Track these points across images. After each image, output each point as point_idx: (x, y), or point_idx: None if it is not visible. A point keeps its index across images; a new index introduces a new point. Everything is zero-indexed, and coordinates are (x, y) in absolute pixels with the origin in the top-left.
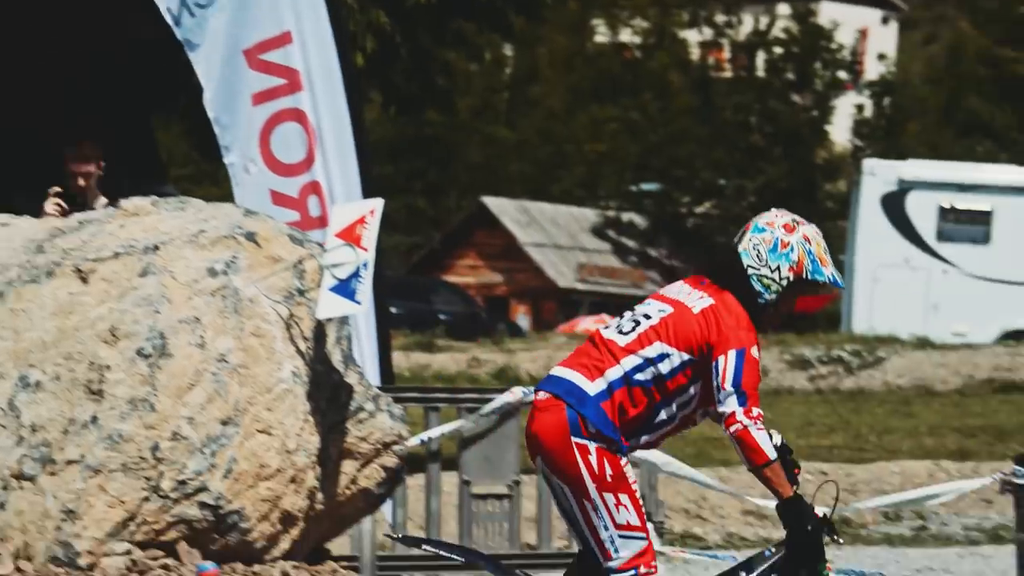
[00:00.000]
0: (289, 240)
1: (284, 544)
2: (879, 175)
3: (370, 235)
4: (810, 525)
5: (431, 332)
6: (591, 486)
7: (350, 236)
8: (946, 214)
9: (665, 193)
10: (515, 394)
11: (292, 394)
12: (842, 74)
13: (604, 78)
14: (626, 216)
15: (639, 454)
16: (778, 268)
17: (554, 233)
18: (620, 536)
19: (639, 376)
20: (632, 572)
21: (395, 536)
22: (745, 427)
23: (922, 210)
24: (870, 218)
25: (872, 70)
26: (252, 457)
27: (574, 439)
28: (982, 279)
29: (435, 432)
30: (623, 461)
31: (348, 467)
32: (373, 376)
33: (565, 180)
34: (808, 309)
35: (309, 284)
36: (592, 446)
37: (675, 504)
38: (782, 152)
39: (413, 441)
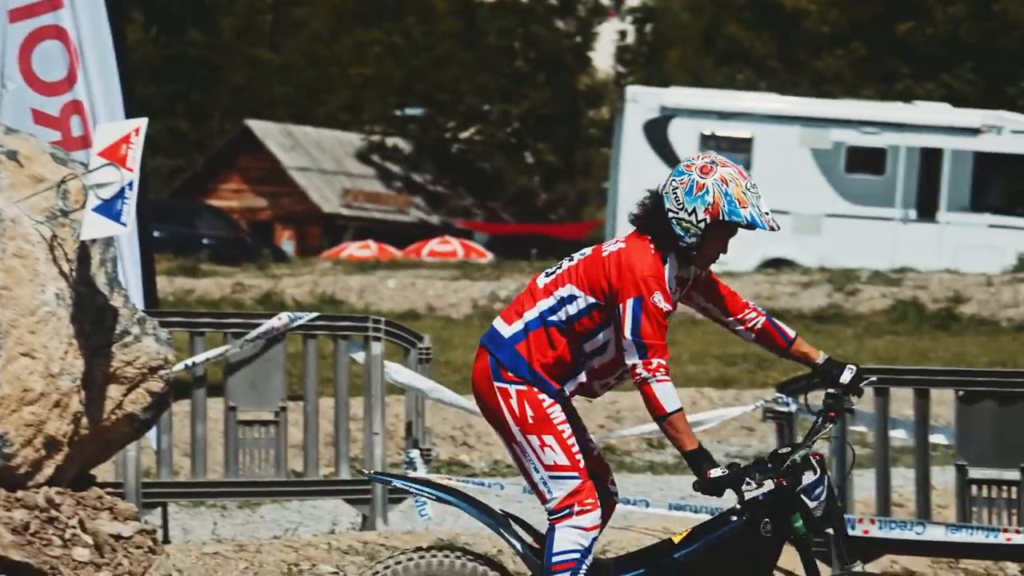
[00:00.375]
0: (52, 159)
1: (48, 470)
2: (641, 102)
3: (134, 155)
4: (707, 477)
5: (195, 257)
6: (515, 429)
7: (114, 156)
8: (707, 141)
9: (429, 118)
10: (281, 319)
11: (56, 317)
12: (605, 0)
13: (368, 1)
14: (391, 141)
15: (404, 380)
16: (694, 211)
17: (319, 157)
18: (551, 477)
19: (552, 317)
20: (566, 511)
21: (366, 473)
22: (644, 379)
23: (684, 137)
24: (633, 145)
25: None
26: (15, 381)
27: (496, 384)
28: None
29: (201, 357)
30: (547, 403)
31: (114, 392)
32: (137, 300)
33: (330, 104)
34: (568, 236)
35: (73, 204)
36: (512, 389)
37: (441, 431)
38: (546, 78)
39: (179, 366)
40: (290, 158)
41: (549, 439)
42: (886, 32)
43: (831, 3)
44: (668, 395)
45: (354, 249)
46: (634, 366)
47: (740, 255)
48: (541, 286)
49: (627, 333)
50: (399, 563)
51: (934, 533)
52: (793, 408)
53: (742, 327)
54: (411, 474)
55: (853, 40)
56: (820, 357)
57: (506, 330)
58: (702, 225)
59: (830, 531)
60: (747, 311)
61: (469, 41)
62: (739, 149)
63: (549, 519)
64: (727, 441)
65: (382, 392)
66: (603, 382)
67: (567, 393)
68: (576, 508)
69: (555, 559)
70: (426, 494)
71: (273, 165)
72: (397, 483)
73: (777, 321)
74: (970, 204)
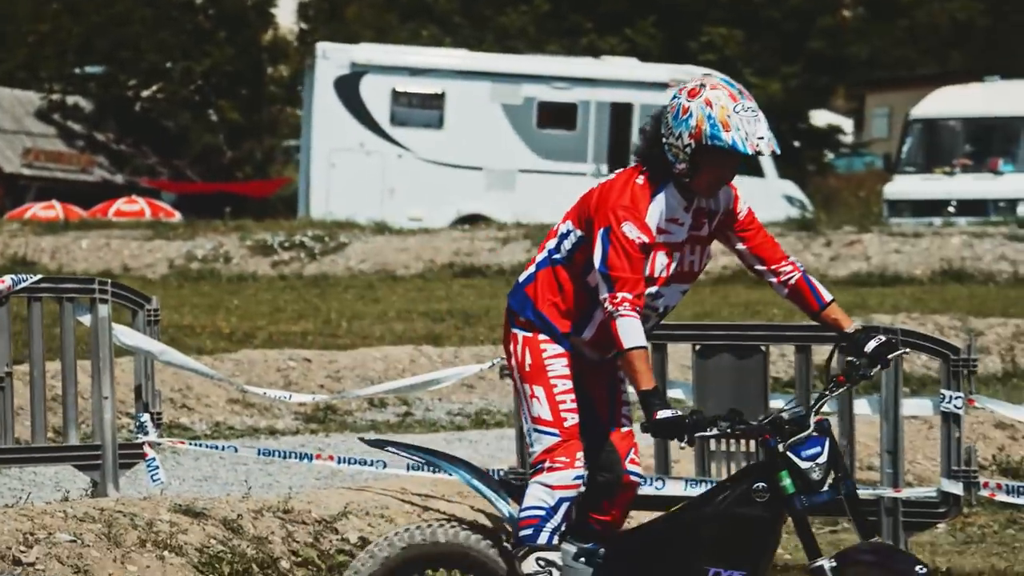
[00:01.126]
0: None
1: None
2: (332, 58)
3: None
4: (653, 416)
5: None
6: (516, 375)
7: None
8: (399, 98)
9: (110, 76)
10: (4, 282)
11: None
12: None
13: None
14: (71, 99)
15: (133, 342)
16: (680, 135)
17: None
18: (534, 430)
19: (556, 255)
20: (539, 466)
21: (362, 439)
22: (609, 314)
23: (376, 94)
24: (324, 102)
25: None
26: None
27: (511, 330)
28: (436, 163)
29: None
30: (548, 353)
31: None
32: None
33: (7, 62)
34: (255, 194)
35: None
36: (520, 335)
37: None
38: (228, 35)
39: None
40: None
41: (539, 391)
42: None
43: None
44: (628, 331)
45: (38, 209)
46: (602, 300)
47: (434, 210)
48: (553, 228)
49: (597, 265)
50: (408, 531)
51: (673, 488)
52: None
53: (775, 279)
54: (141, 438)
55: None
56: (850, 327)
57: (521, 276)
58: (688, 150)
59: (842, 499)
60: (783, 264)
61: None
62: (431, 105)
63: (529, 472)
64: (447, 399)
65: (110, 355)
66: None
67: (586, 338)
68: (547, 464)
69: (521, 514)
70: (417, 458)
71: None
72: (390, 448)
73: (815, 282)
74: None
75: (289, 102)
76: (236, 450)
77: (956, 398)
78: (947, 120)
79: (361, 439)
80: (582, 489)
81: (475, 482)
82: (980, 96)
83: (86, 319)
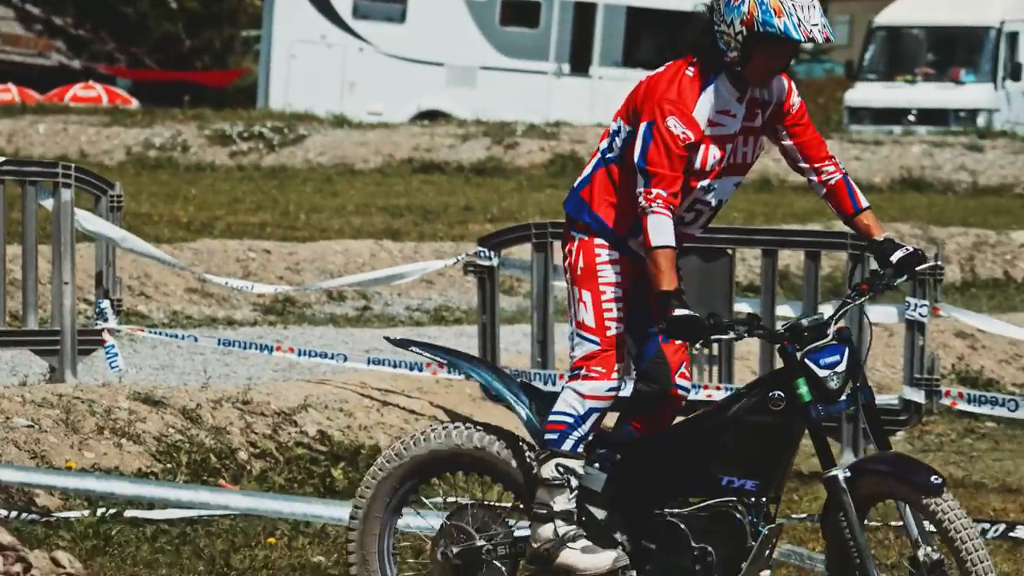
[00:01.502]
0: None
1: None
2: None
3: None
4: (670, 313)
5: None
6: (567, 277)
7: None
8: None
9: None
10: None
11: None
12: None
13: None
14: None
15: (95, 228)
16: (732, 22)
17: None
18: (577, 334)
19: (610, 155)
20: (576, 372)
21: (389, 339)
22: (642, 209)
23: None
24: None
25: None
26: None
27: (569, 232)
28: (397, 58)
29: None
30: (601, 257)
31: None
32: None
33: None
34: (214, 83)
35: None
36: (577, 237)
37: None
38: None
39: None
40: None
41: (587, 295)
42: None
43: None
44: (658, 229)
45: None
46: (638, 195)
47: (394, 106)
48: (606, 128)
49: (636, 158)
50: (424, 434)
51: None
52: (495, 262)
53: (815, 178)
54: (101, 324)
55: None
56: (880, 235)
57: (577, 180)
58: (739, 37)
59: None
60: (826, 163)
61: None
62: (394, 0)
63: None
64: (406, 294)
65: (72, 240)
66: (679, 215)
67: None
68: (583, 372)
69: (551, 417)
70: (439, 360)
71: None
72: (414, 348)
73: (854, 186)
74: (622, 59)
75: None
76: (196, 339)
77: (921, 306)
78: (910, 28)
79: (387, 339)
80: (614, 401)
81: (496, 384)
82: (944, 5)
83: (48, 203)
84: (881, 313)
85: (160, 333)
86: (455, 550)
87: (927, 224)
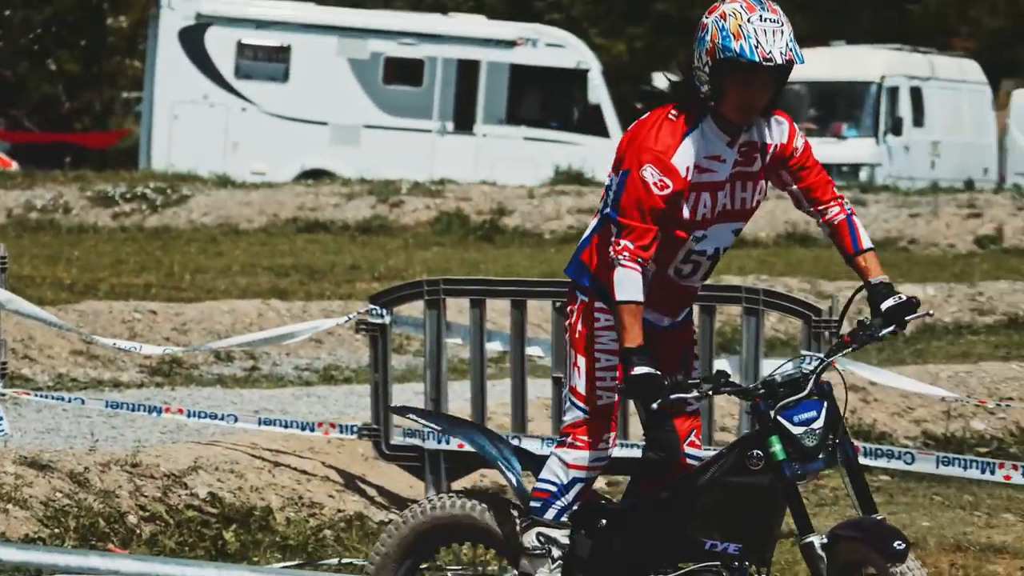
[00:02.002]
0: None
1: None
2: (178, 9)
3: None
4: (629, 372)
5: None
6: (567, 337)
7: None
8: (244, 51)
9: None
10: None
11: None
12: None
13: None
14: None
15: None
16: (700, 55)
17: None
18: (569, 398)
19: (606, 211)
20: (563, 439)
21: (390, 408)
22: (611, 261)
23: (221, 46)
24: (168, 53)
25: None
26: None
27: (573, 293)
28: (280, 117)
29: None
30: (601, 323)
31: None
32: None
33: None
34: (94, 145)
35: None
36: (579, 299)
37: None
38: None
39: None
40: None
41: (581, 361)
42: None
43: None
44: (623, 283)
45: None
46: (611, 245)
47: (278, 165)
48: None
49: (608, 207)
50: (421, 508)
51: (530, 446)
52: (388, 320)
53: (821, 219)
54: None
55: None
56: (875, 278)
57: (578, 243)
58: (707, 68)
59: (845, 471)
60: (831, 204)
61: None
62: (277, 59)
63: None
64: (295, 354)
65: None
66: (675, 267)
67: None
68: (569, 440)
69: (537, 484)
70: (435, 427)
71: None
72: (411, 416)
73: (857, 227)
74: (506, 116)
75: (129, 54)
76: (83, 402)
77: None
78: (792, 84)
79: (388, 408)
80: (599, 472)
81: (489, 448)
82: (825, 60)
83: None
84: (775, 367)
85: (45, 396)
86: None
87: (816, 278)
